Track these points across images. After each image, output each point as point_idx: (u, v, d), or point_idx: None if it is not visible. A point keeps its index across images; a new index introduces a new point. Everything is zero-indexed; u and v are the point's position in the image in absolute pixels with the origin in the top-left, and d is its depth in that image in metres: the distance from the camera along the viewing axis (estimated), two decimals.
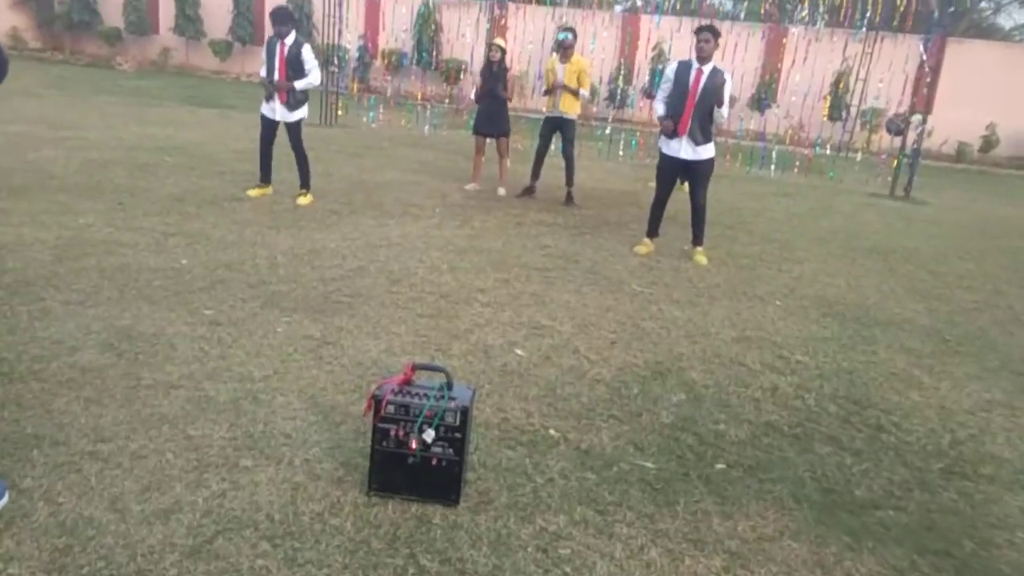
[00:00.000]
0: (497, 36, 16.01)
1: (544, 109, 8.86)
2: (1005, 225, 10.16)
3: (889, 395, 4.11)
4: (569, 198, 8.58)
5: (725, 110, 6.15)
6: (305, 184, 7.38)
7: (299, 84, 7.01)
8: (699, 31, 6.08)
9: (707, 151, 6.31)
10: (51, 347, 3.68)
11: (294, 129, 7.20)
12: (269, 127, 7.22)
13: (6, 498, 2.51)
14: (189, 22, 23.26)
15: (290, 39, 6.97)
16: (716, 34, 6.07)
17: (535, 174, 8.76)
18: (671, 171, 6.50)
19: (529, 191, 8.76)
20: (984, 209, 11.49)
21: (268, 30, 7.66)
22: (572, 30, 8.44)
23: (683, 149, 6.29)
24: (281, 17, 6.98)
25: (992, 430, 3.81)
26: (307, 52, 7.03)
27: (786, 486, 3.09)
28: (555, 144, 8.81)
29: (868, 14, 16.67)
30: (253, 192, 7.37)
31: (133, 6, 23.65)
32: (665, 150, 6.44)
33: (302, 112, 7.24)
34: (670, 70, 6.35)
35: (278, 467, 2.86)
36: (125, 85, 17.49)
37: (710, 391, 3.94)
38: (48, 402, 3.16)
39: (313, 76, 7.06)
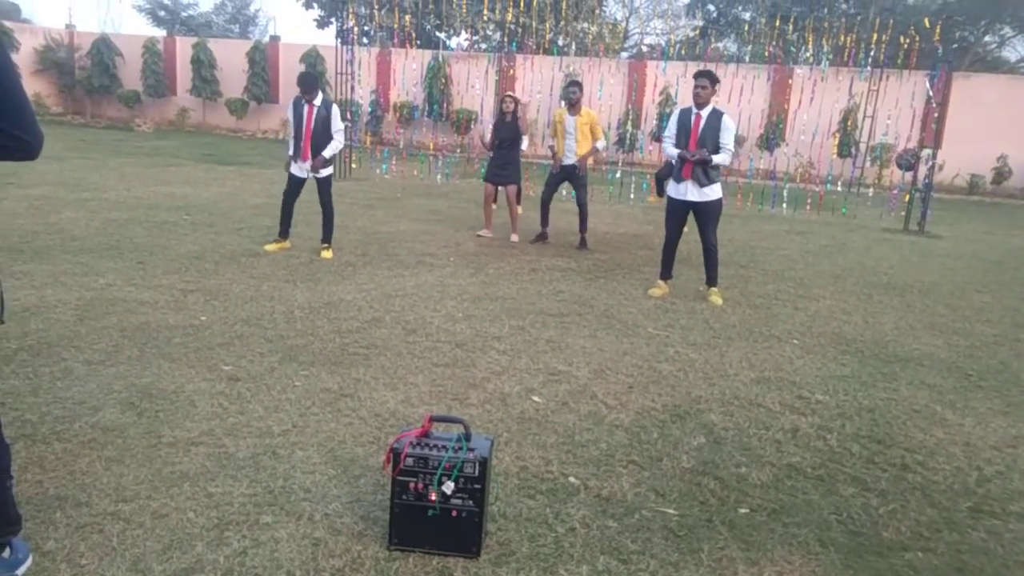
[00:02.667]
0: (507, 89, 16.28)
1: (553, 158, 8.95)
2: (1022, 256, 10.09)
3: (913, 433, 4.06)
4: (583, 243, 8.64)
5: (723, 156, 6.21)
6: (327, 238, 7.49)
7: (326, 153, 7.20)
8: (696, 77, 6.26)
9: (713, 192, 6.38)
10: (73, 407, 3.72)
11: (324, 184, 7.36)
12: (296, 184, 7.36)
13: (30, 561, 2.51)
14: (205, 83, 23.90)
15: (318, 100, 7.16)
16: (712, 80, 6.22)
17: (544, 221, 8.87)
18: (679, 214, 6.56)
19: (542, 237, 8.84)
20: (1000, 241, 11.43)
21: (283, 88, 7.88)
22: (579, 84, 8.60)
23: (689, 192, 6.37)
24: (308, 83, 7.16)
25: (1020, 466, 3.74)
26: (335, 114, 7.21)
27: (811, 530, 3.04)
28: (566, 191, 8.89)
29: (872, 52, 16.86)
30: (271, 247, 7.48)
31: (151, 70, 24.37)
32: (672, 193, 6.52)
33: (330, 168, 7.40)
34: (673, 117, 6.52)
35: (298, 523, 2.86)
36: (144, 146, 17.91)
37: (730, 434, 3.90)
38: (70, 463, 3.18)
39: (338, 139, 7.26)
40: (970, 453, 3.85)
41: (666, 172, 6.47)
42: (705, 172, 6.29)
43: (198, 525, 2.80)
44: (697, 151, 6.18)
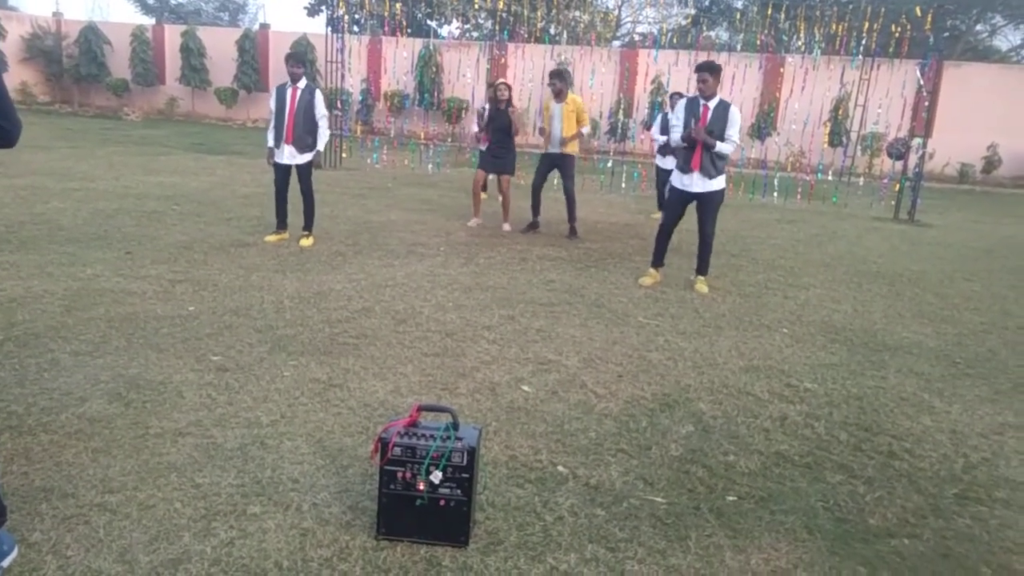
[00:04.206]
0: (499, 77, 16.21)
1: (542, 146, 8.94)
2: (1011, 245, 10.15)
3: (900, 420, 4.08)
4: (573, 232, 8.63)
5: (727, 145, 6.22)
6: (308, 226, 7.47)
7: (319, 146, 7.22)
8: (697, 70, 6.24)
9: (718, 183, 6.39)
10: (60, 398, 3.69)
11: (305, 170, 7.31)
12: (283, 173, 7.32)
13: (15, 552, 2.50)
14: (194, 72, 23.73)
15: (302, 84, 7.10)
16: (713, 71, 6.17)
17: (535, 210, 8.84)
18: (682, 203, 6.55)
19: (533, 226, 8.83)
20: (989, 230, 11.48)
21: (272, 77, 7.85)
22: (560, 75, 8.55)
23: (695, 183, 6.37)
24: (298, 58, 7.14)
25: (1006, 453, 3.77)
26: (319, 99, 7.16)
27: (799, 517, 3.06)
28: (557, 180, 8.86)
29: (864, 41, 16.86)
30: (271, 238, 7.45)
31: (140, 58, 24.17)
32: (677, 184, 6.50)
33: (311, 154, 7.34)
34: (681, 105, 6.47)
35: (286, 513, 2.85)
36: (132, 135, 17.78)
37: (719, 422, 3.92)
38: (57, 454, 3.17)
39: (323, 126, 7.23)
40: (957, 440, 3.88)
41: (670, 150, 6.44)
42: (713, 163, 6.29)
43: (185, 516, 2.80)
44: (704, 130, 6.16)
